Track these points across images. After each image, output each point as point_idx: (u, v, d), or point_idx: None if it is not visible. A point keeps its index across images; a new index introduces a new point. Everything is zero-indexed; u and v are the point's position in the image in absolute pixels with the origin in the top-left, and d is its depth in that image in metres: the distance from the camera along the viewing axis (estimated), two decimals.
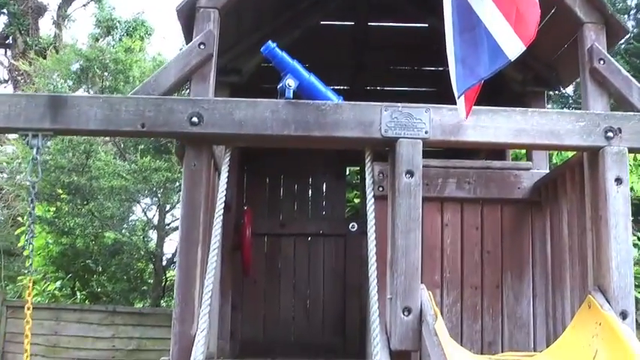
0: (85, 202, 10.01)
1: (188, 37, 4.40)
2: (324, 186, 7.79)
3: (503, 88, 5.83)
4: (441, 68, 7.22)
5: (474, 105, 4.02)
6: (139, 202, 10.18)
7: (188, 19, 4.36)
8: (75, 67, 10.96)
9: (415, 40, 7.17)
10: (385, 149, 4.12)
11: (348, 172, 8.61)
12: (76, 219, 9.87)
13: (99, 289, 11.10)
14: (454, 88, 3.71)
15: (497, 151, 6.16)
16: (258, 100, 3.99)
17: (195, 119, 3.91)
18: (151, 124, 3.91)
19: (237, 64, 5.60)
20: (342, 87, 7.16)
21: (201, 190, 4.01)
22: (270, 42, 4.09)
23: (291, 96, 3.99)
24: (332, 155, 7.63)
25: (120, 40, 13.24)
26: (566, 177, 4.69)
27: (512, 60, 3.70)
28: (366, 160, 4.12)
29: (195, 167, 4.04)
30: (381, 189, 4.66)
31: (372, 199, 4.05)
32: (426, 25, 6.90)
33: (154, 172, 9.45)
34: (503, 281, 5.19)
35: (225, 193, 4.05)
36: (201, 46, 4.22)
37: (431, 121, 4.01)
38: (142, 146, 9.60)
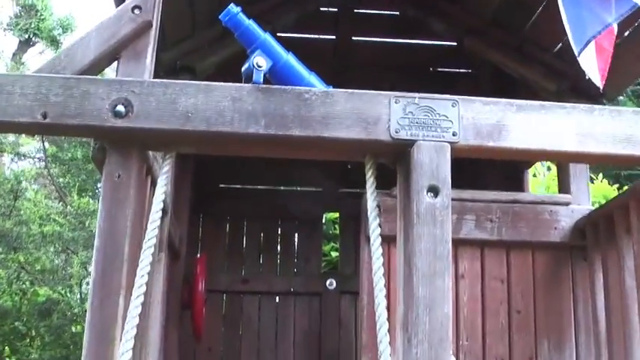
0: (13, 252, 8.74)
1: (119, 1, 3.25)
2: (296, 235, 6.69)
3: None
4: (446, 95, 6.26)
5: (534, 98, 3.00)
6: (75, 254, 8.89)
7: None
8: None
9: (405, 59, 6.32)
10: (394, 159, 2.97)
11: (324, 220, 7.48)
12: (0, 272, 8.60)
13: (29, 357, 9.73)
14: (572, 42, 2.84)
15: (512, 180, 5.17)
16: (215, 83, 2.85)
17: (120, 108, 2.75)
18: (56, 113, 2.74)
19: (190, 61, 4.46)
20: None
21: (126, 213, 2.82)
22: (232, 5, 2.95)
23: (261, 80, 2.86)
24: (307, 196, 6.64)
25: None
26: (631, 208, 3.57)
27: None
28: (368, 175, 2.96)
29: (119, 179, 2.85)
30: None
31: (377, 229, 2.87)
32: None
33: (93, 216, 8.23)
34: (538, 351, 4.12)
35: (160, 214, 2.85)
36: (136, 11, 3.06)
37: (460, 118, 2.89)
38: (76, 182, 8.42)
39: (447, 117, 2.88)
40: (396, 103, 2.87)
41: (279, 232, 6.68)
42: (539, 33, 4.79)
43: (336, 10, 6.10)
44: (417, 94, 2.90)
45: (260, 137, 2.81)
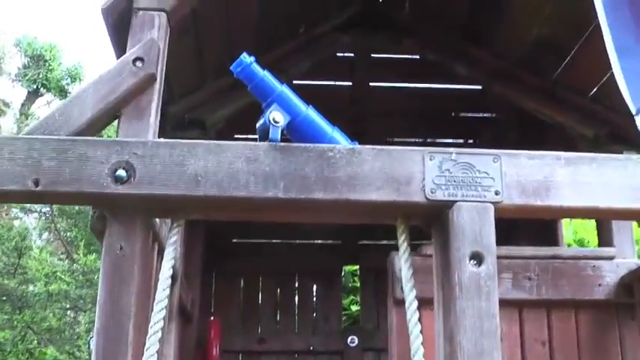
0: (18, 311, 8.42)
1: (120, 52, 2.97)
2: (314, 290, 6.37)
3: (566, 148, 4.46)
4: (460, 141, 6.00)
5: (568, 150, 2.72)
6: (83, 311, 8.57)
7: (120, 26, 2.95)
8: None
9: (425, 104, 6.02)
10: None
11: (342, 273, 7.15)
12: (6, 332, 8.28)
13: None
14: (627, 99, 2.59)
15: (546, 231, 4.86)
16: (226, 142, 2.55)
17: (122, 172, 2.46)
18: (49, 180, 2.45)
19: (199, 114, 4.18)
20: None
21: (130, 291, 2.51)
22: (245, 55, 2.67)
23: (279, 137, 2.57)
24: (325, 249, 6.34)
25: None
26: None
27: None
28: (400, 240, 2.65)
29: (122, 252, 2.55)
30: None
31: (414, 300, 2.56)
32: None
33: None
34: None
35: (167, 292, 2.54)
36: (138, 63, 2.78)
37: (503, 175, 2.58)
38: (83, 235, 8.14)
39: (488, 174, 2.58)
40: (430, 159, 2.57)
41: (297, 288, 6.41)
42: (573, 76, 4.48)
43: (352, 55, 5.83)
44: (453, 149, 2.60)
45: (279, 202, 2.51)
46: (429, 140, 6.40)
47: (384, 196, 2.52)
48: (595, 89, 4.38)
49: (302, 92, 4.72)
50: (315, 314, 6.35)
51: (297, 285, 6.39)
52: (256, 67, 2.68)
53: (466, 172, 2.57)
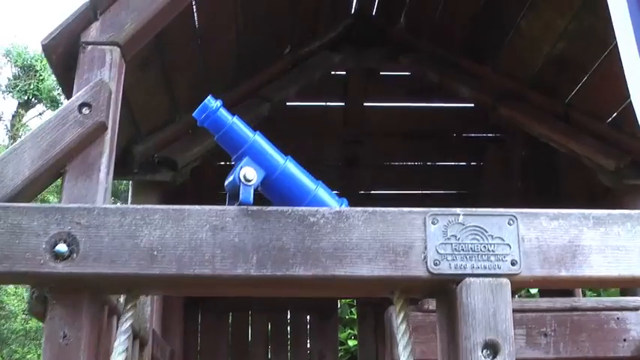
0: None
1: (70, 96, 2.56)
2: (309, 325, 5.98)
3: (582, 182, 4.11)
4: (473, 164, 5.63)
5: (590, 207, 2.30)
6: None
7: (67, 63, 2.55)
8: None
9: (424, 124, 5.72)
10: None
11: (339, 305, 6.76)
12: None
13: None
14: None
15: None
16: (188, 208, 2.14)
17: (62, 247, 2.06)
18: None
19: (171, 152, 3.76)
20: None
21: None
22: (210, 98, 2.26)
23: (251, 199, 2.17)
24: None
25: None
26: None
27: None
28: (398, 320, 2.23)
29: (66, 340, 2.14)
30: None
31: None
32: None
33: None
34: None
35: None
36: (85, 110, 2.37)
37: (521, 241, 2.18)
38: None
39: (502, 240, 2.18)
40: (433, 223, 2.16)
41: (289, 324, 6.05)
42: (590, 98, 4.07)
43: (344, 73, 5.43)
44: (460, 210, 2.19)
45: (251, 279, 2.11)
46: (428, 164, 6.03)
47: (377, 270, 2.11)
48: (615, 114, 3.96)
49: (289, 114, 4.32)
50: (309, 351, 6.01)
51: (289, 322, 6.04)
52: (224, 114, 2.28)
53: (476, 238, 2.17)
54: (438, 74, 4.79)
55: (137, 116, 3.37)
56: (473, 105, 5.34)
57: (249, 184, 2.18)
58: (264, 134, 2.31)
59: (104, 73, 2.44)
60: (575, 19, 3.66)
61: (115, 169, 2.69)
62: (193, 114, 2.27)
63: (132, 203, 3.72)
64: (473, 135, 5.96)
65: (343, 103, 5.65)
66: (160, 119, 3.69)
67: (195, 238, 2.09)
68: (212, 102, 2.27)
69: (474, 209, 2.21)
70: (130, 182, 3.81)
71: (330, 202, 2.31)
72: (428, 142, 5.85)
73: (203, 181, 4.83)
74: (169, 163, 3.72)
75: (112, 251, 2.07)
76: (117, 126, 2.48)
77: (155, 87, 3.41)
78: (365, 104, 5.64)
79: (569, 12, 3.63)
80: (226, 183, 2.25)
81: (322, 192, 2.32)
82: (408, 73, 5.34)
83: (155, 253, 2.07)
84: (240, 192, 2.16)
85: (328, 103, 5.66)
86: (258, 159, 2.24)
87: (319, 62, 4.79)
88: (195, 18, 3.36)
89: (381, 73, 5.49)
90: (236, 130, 2.28)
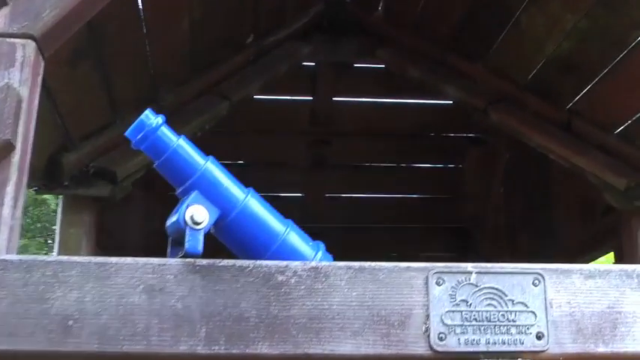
0: None
1: None
2: None
3: (578, 192, 3.76)
4: (451, 165, 5.26)
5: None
6: None
7: None
8: None
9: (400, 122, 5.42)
10: None
11: None
12: None
13: None
14: None
15: None
16: (116, 260, 1.68)
17: None
18: None
19: (109, 161, 3.24)
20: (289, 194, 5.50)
21: None
22: (148, 113, 1.77)
23: (200, 248, 1.71)
24: None
25: None
26: None
27: None
28: None
29: None
30: None
31: None
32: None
33: None
34: None
35: None
36: None
37: (548, 306, 1.76)
38: None
39: (525, 306, 1.75)
40: (438, 284, 1.72)
41: None
42: (597, 106, 3.64)
43: (313, 64, 4.94)
44: (472, 267, 1.75)
45: (200, 359, 1.62)
46: (403, 165, 5.61)
47: (364, 347, 1.67)
48: (626, 124, 3.52)
49: (248, 109, 3.77)
50: None
51: None
52: (166, 134, 1.80)
53: (492, 303, 1.74)
54: (420, 71, 4.33)
55: (67, 120, 2.88)
56: (452, 102, 4.91)
57: (198, 227, 1.71)
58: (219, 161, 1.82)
59: (13, 74, 1.91)
60: (588, 15, 3.22)
61: (40, 182, 2.20)
62: (126, 133, 1.78)
63: (61, 225, 3.21)
64: (453, 135, 5.57)
65: (311, 98, 5.19)
66: (96, 123, 3.17)
67: (124, 302, 1.63)
68: (151, 117, 1.78)
69: (489, 265, 1.77)
70: (60, 198, 3.29)
71: (304, 249, 1.85)
72: (403, 142, 5.51)
73: (154, 188, 4.25)
74: (107, 174, 3.20)
75: (11, 320, 1.61)
76: (30, 142, 1.97)
77: (89, 85, 2.90)
78: (334, 99, 5.20)
79: (582, 7, 3.19)
80: (168, 224, 1.78)
81: (293, 236, 1.85)
82: (384, 66, 4.87)
83: (70, 322, 1.62)
84: (186, 239, 1.70)
85: (294, 97, 5.19)
86: (210, 194, 1.77)
87: (285, 54, 4.31)
88: (139, 3, 2.85)
89: (355, 65, 5.03)
90: (182, 156, 1.80)
